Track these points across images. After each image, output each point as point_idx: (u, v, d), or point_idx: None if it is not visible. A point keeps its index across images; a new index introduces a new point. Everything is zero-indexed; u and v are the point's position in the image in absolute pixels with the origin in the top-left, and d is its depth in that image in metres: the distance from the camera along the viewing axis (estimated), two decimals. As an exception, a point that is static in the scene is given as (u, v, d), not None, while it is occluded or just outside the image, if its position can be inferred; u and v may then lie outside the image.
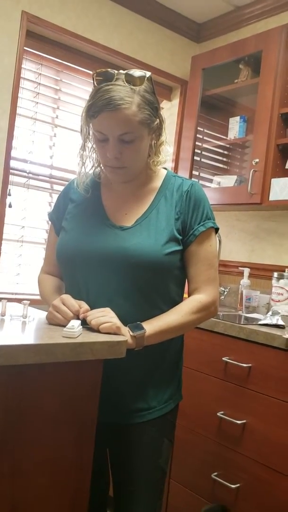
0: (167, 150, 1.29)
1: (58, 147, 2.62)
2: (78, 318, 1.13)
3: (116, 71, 1.15)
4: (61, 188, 1.87)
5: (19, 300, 1.31)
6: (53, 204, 1.42)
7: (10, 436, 0.97)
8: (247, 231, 2.69)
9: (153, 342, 1.19)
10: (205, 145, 2.74)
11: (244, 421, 1.83)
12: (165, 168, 1.33)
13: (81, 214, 1.29)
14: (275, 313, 2.04)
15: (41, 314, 1.23)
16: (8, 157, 2.33)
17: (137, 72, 1.15)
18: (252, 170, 2.32)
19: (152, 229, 1.22)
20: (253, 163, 2.32)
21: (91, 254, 1.21)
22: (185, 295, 1.31)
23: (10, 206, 2.37)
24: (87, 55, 2.64)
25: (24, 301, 1.17)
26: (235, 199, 2.45)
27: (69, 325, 1.05)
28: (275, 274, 2.32)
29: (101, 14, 2.60)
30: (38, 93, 2.52)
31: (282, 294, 2.28)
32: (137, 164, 1.23)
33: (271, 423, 1.75)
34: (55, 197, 1.80)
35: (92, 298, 1.20)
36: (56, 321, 1.14)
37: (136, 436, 1.24)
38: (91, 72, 2.48)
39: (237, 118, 2.60)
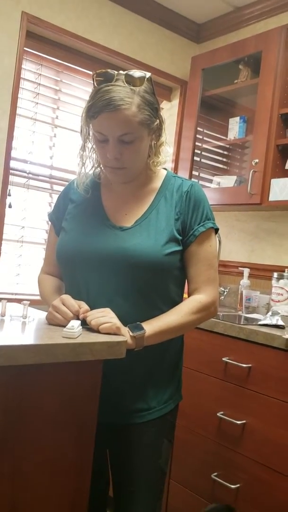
0: (167, 151, 1.29)
1: (58, 148, 2.63)
2: (78, 319, 1.13)
3: (116, 72, 1.15)
4: (61, 188, 1.86)
5: (19, 301, 1.31)
6: (53, 205, 1.42)
7: (10, 436, 0.97)
8: (247, 231, 2.70)
9: (153, 342, 1.19)
10: (205, 146, 2.74)
11: (244, 421, 1.83)
12: (165, 169, 1.33)
13: (81, 215, 1.29)
14: (275, 314, 2.04)
15: (41, 315, 1.23)
16: (8, 157, 2.33)
17: (137, 73, 1.16)
18: (251, 171, 2.32)
19: (152, 229, 1.22)
20: (253, 163, 2.33)
21: (91, 254, 1.21)
22: (185, 296, 1.31)
23: (10, 206, 2.38)
24: (87, 56, 2.64)
25: (24, 302, 1.17)
26: (235, 200, 2.45)
27: (69, 325, 1.05)
28: (275, 275, 2.33)
29: (101, 15, 2.60)
30: (38, 93, 2.53)
31: (282, 295, 2.28)
32: (137, 165, 1.23)
33: (271, 423, 1.75)
34: (55, 197, 1.80)
35: (92, 298, 1.20)
36: (56, 322, 1.14)
37: (136, 437, 1.24)
38: (91, 73, 2.48)
39: (237, 119, 2.60)
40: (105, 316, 1.13)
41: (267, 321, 1.97)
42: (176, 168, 2.87)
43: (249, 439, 1.82)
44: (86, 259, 1.22)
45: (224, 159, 2.85)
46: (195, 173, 2.72)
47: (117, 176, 1.25)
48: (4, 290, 2.46)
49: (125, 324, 1.15)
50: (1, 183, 2.32)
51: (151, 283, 1.21)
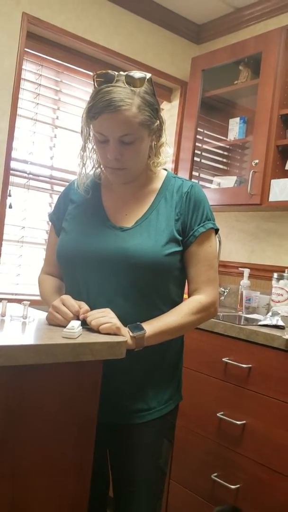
0: (167, 151, 1.29)
1: (58, 148, 2.63)
2: (78, 319, 1.13)
3: (116, 73, 1.16)
4: (61, 189, 1.87)
5: (19, 301, 1.32)
6: (53, 205, 1.42)
7: (10, 436, 0.97)
8: (247, 231, 2.70)
9: (153, 342, 1.19)
10: (205, 146, 2.74)
11: (244, 421, 1.84)
12: (165, 169, 1.34)
13: (81, 215, 1.29)
14: (275, 314, 2.04)
15: (41, 315, 1.23)
16: (8, 158, 2.33)
17: (137, 74, 1.16)
18: (251, 171, 2.32)
19: (152, 230, 1.22)
20: (253, 164, 2.33)
21: (91, 254, 1.21)
22: (185, 296, 1.31)
23: (10, 207, 2.38)
24: (87, 56, 2.65)
25: (24, 302, 1.17)
26: (235, 200, 2.45)
27: (69, 325, 1.05)
28: (275, 275, 2.33)
29: (101, 15, 2.60)
30: (39, 94, 2.53)
31: (282, 295, 2.28)
32: (137, 166, 1.23)
33: (271, 424, 1.75)
34: (55, 198, 1.80)
35: (92, 298, 1.21)
36: (56, 322, 1.14)
37: (136, 437, 1.24)
38: (91, 73, 2.48)
39: (237, 119, 2.60)
40: (105, 316, 1.13)
41: (267, 321, 1.97)
42: (176, 169, 2.87)
43: (249, 439, 1.82)
44: (86, 260, 1.22)
45: (224, 160, 2.85)
46: (195, 173, 2.73)
47: (118, 177, 1.25)
48: (4, 290, 2.46)
49: (125, 324, 1.16)
50: (2, 184, 2.32)
51: (151, 283, 1.22)
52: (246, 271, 2.54)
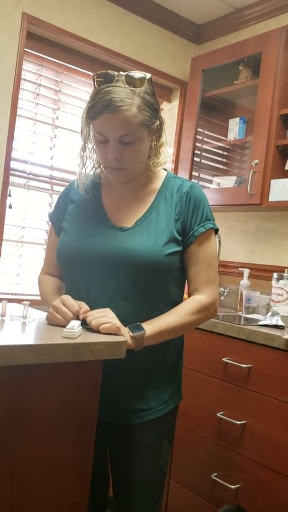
0: (167, 151, 1.30)
1: (58, 148, 2.63)
2: (78, 319, 1.13)
3: (116, 73, 1.16)
4: (61, 189, 1.87)
5: (19, 301, 1.32)
6: (53, 205, 1.42)
7: (10, 436, 0.97)
8: (247, 232, 2.70)
9: (153, 342, 1.19)
10: (205, 146, 2.74)
11: (244, 421, 1.84)
12: (165, 169, 1.34)
13: (81, 215, 1.29)
14: (274, 314, 2.05)
15: (41, 315, 1.23)
16: (8, 158, 2.33)
17: (137, 74, 1.16)
18: (251, 171, 2.32)
19: (152, 230, 1.22)
20: (253, 164, 2.33)
21: (91, 254, 1.21)
22: (185, 296, 1.32)
23: (10, 207, 2.38)
24: (87, 57, 2.65)
25: (24, 302, 1.17)
26: (234, 200, 2.45)
27: (69, 325, 1.05)
28: (275, 275, 2.33)
29: (101, 16, 2.60)
30: (39, 94, 2.53)
31: (281, 295, 2.28)
32: (137, 166, 1.23)
33: (271, 424, 1.75)
34: (55, 198, 1.80)
35: (92, 298, 1.21)
36: (56, 322, 1.14)
37: (136, 437, 1.24)
38: (91, 74, 2.48)
39: (237, 119, 2.60)
40: (105, 316, 1.13)
41: (267, 321, 1.97)
42: (176, 169, 2.87)
43: (249, 439, 1.82)
44: (86, 259, 1.22)
45: (224, 160, 2.85)
46: (195, 173, 2.73)
47: (118, 177, 1.25)
48: (4, 290, 2.46)
49: (125, 324, 1.16)
50: (2, 184, 2.32)
51: (151, 283, 1.22)
52: (246, 271, 2.54)
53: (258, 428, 1.79)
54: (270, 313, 2.09)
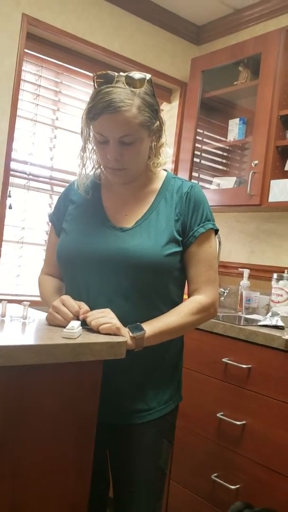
0: (167, 152, 1.30)
1: (58, 149, 2.63)
2: (78, 319, 1.14)
3: (116, 74, 1.16)
4: (61, 189, 1.87)
5: (19, 301, 1.32)
6: (53, 206, 1.42)
7: (10, 437, 0.97)
8: (247, 232, 2.70)
9: (153, 343, 1.19)
10: (204, 147, 2.75)
11: (244, 422, 1.84)
12: (165, 170, 1.34)
13: (82, 216, 1.30)
14: (274, 314, 2.05)
15: (41, 315, 1.23)
16: (8, 158, 2.33)
17: (137, 75, 1.16)
18: (251, 172, 2.32)
19: (152, 230, 1.22)
20: (253, 164, 2.33)
21: (91, 255, 1.22)
22: (185, 296, 1.32)
23: (10, 207, 2.38)
24: (87, 57, 2.65)
25: (24, 302, 1.17)
26: (234, 201, 2.45)
27: (69, 326, 1.05)
28: (275, 275, 2.33)
29: (101, 17, 2.61)
30: (38, 95, 2.53)
31: (281, 295, 2.28)
32: (137, 166, 1.24)
33: (271, 424, 1.75)
34: (55, 198, 1.80)
35: (92, 299, 1.21)
36: (56, 322, 1.14)
37: (136, 437, 1.24)
38: (91, 74, 2.49)
39: (237, 120, 2.61)
40: (105, 317, 1.13)
41: (267, 322, 1.98)
42: (176, 169, 2.87)
43: (249, 439, 1.82)
44: (86, 260, 1.22)
45: (224, 160, 2.85)
46: (195, 174, 2.73)
47: (117, 177, 1.25)
48: (4, 291, 2.46)
49: (125, 325, 1.16)
50: (1, 184, 2.32)
51: (151, 283, 1.22)
52: (246, 272, 2.54)
53: (258, 428, 1.79)
54: (270, 314, 2.09)
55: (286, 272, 2.32)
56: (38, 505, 1.02)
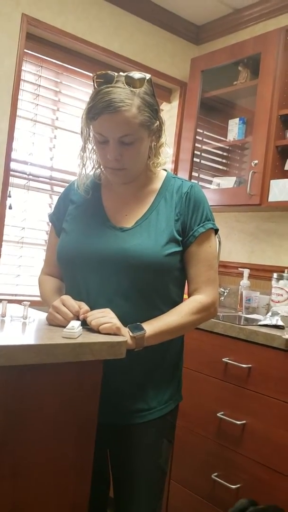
0: (167, 152, 1.30)
1: (58, 149, 2.63)
2: (78, 319, 1.14)
3: (116, 73, 1.16)
4: (61, 189, 1.87)
5: (19, 301, 1.32)
6: (53, 206, 1.42)
7: (11, 437, 0.97)
8: (247, 232, 2.70)
9: (153, 342, 1.19)
10: (204, 147, 2.75)
11: (244, 421, 1.84)
12: (165, 170, 1.34)
13: (82, 216, 1.30)
14: (274, 314, 2.05)
15: (41, 315, 1.24)
16: (8, 158, 2.33)
17: (137, 74, 1.16)
18: (251, 172, 2.32)
19: (152, 230, 1.22)
20: (252, 164, 2.33)
21: (92, 255, 1.22)
22: (185, 296, 1.32)
23: (10, 207, 2.38)
24: (87, 57, 2.65)
25: (24, 302, 1.17)
26: (234, 200, 2.45)
27: (69, 325, 1.05)
28: (275, 275, 2.33)
29: (101, 17, 2.61)
30: (38, 95, 2.53)
31: (281, 295, 2.28)
32: (137, 166, 1.24)
33: (271, 424, 1.75)
34: (55, 198, 1.80)
35: (92, 298, 1.21)
36: (56, 322, 1.14)
37: (136, 437, 1.25)
38: (91, 74, 2.49)
39: (236, 120, 2.61)
40: (105, 317, 1.14)
41: (267, 321, 1.98)
42: (176, 169, 2.87)
43: (249, 439, 1.82)
44: (86, 260, 1.22)
45: (224, 160, 2.85)
46: (194, 174, 2.73)
47: (117, 177, 1.25)
48: (4, 291, 2.46)
49: (125, 325, 1.16)
50: (1, 185, 2.32)
51: (151, 283, 1.22)
52: (246, 271, 2.54)
53: (258, 428, 1.79)
54: (270, 313, 2.09)
55: (286, 271, 2.32)
56: (38, 505, 1.02)
